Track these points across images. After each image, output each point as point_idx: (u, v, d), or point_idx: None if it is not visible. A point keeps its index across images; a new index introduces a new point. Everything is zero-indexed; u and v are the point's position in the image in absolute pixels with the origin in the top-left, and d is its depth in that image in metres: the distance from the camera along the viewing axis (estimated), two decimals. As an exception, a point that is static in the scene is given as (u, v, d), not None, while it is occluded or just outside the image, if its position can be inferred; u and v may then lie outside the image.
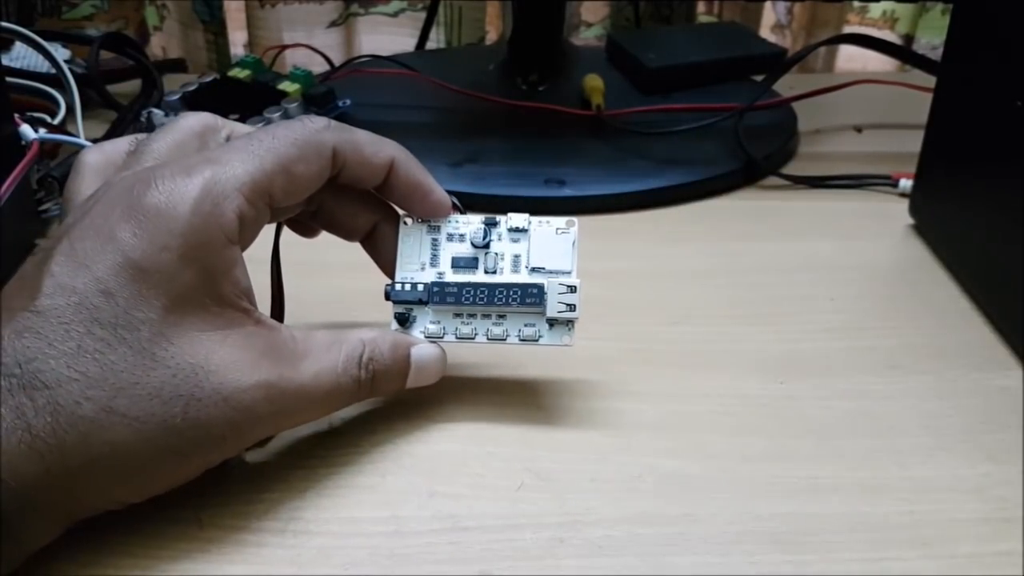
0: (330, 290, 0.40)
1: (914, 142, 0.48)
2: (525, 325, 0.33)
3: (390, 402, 0.35)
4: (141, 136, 0.32)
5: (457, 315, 0.33)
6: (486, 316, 0.33)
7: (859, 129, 0.62)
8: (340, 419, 0.34)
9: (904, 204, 0.49)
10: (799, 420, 0.35)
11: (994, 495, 0.31)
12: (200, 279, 0.28)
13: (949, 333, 0.40)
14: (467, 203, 0.35)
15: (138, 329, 0.27)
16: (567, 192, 0.50)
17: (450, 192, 0.34)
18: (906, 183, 0.51)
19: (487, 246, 0.33)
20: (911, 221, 0.49)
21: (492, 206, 0.34)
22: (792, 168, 0.56)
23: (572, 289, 0.32)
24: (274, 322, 0.30)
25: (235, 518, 0.30)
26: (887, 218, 0.50)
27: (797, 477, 0.32)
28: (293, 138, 0.30)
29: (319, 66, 0.67)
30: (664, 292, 0.43)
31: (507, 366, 0.37)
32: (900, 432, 0.34)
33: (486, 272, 0.33)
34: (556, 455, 0.33)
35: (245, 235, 0.30)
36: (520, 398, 0.36)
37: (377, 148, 0.32)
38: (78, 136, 0.50)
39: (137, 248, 0.27)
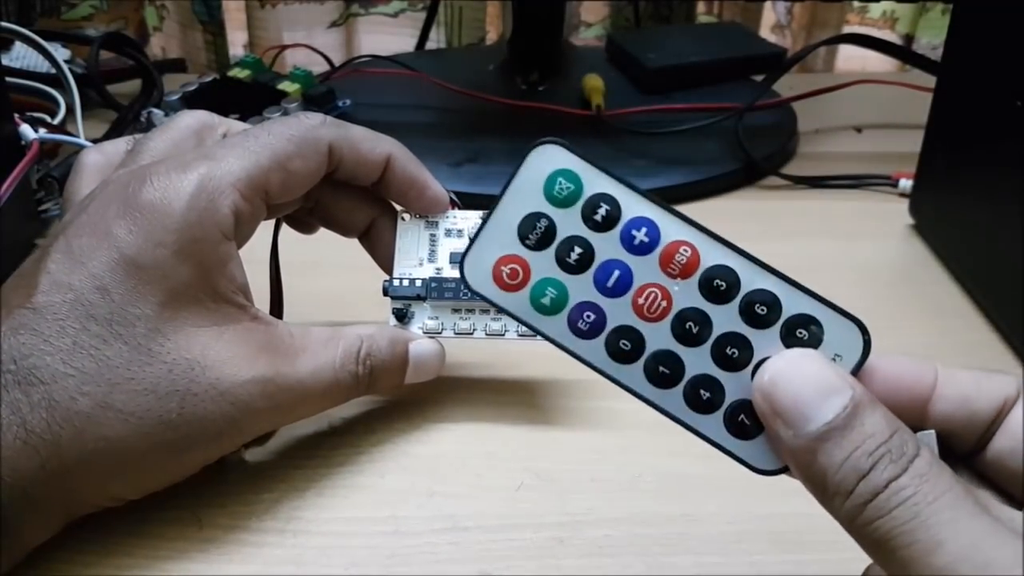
0: (329, 288, 0.40)
1: (914, 142, 0.47)
2: None
3: (390, 402, 0.35)
4: (140, 136, 0.32)
5: (455, 310, 0.33)
6: (484, 311, 0.33)
7: (859, 129, 0.62)
8: (340, 419, 0.34)
9: (904, 204, 0.49)
10: (799, 420, 0.35)
11: (994, 495, 0.31)
12: (196, 275, 0.28)
13: (949, 333, 0.40)
14: (467, 203, 0.35)
15: (134, 325, 0.27)
16: (567, 192, 0.50)
17: (449, 191, 0.34)
18: (906, 183, 0.51)
19: None
20: (911, 221, 0.49)
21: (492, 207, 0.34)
22: (792, 168, 0.56)
23: None
24: (271, 318, 0.30)
25: (235, 518, 0.30)
26: (887, 218, 0.50)
27: (797, 477, 0.32)
28: (289, 134, 0.30)
29: (319, 66, 0.67)
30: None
31: (506, 366, 0.37)
32: (900, 432, 0.34)
33: None
34: (556, 455, 0.33)
35: (241, 231, 0.30)
36: (520, 398, 0.36)
37: (373, 144, 0.32)
38: (78, 136, 0.50)
39: (132, 244, 0.27)
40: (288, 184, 0.30)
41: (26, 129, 0.45)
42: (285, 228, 0.35)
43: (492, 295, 0.23)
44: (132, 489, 0.28)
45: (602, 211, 0.22)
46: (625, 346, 0.22)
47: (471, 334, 0.33)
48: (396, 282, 0.33)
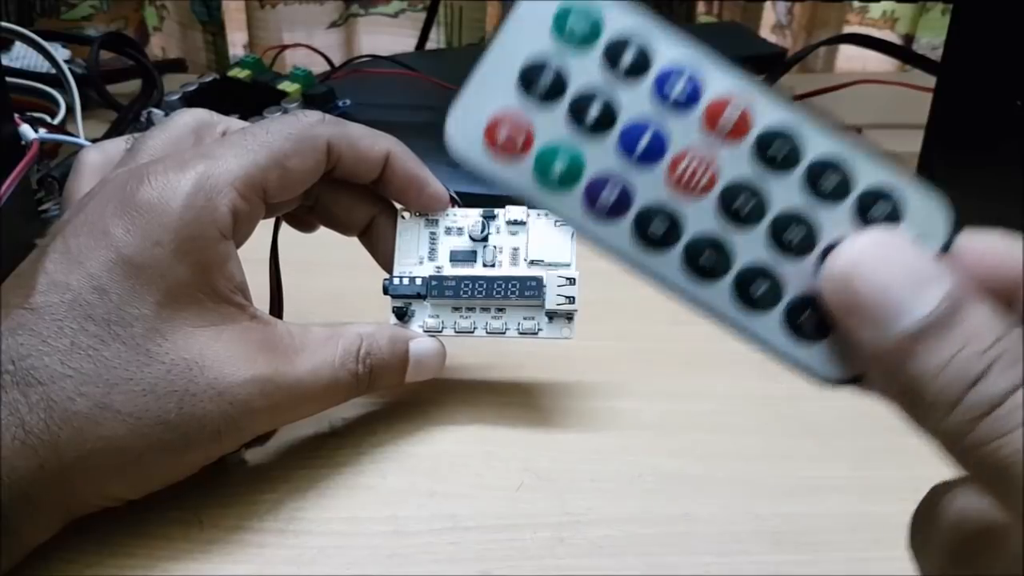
0: (329, 288, 0.40)
1: (914, 142, 0.47)
2: (524, 318, 0.33)
3: (390, 402, 0.35)
4: (139, 135, 0.32)
5: (456, 309, 0.33)
6: (485, 310, 0.33)
7: (859, 129, 0.62)
8: (341, 419, 0.34)
9: (904, 204, 0.49)
10: (799, 420, 0.35)
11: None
12: (193, 274, 0.28)
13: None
14: (467, 204, 0.35)
15: (132, 325, 0.27)
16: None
17: (449, 189, 0.34)
18: (906, 183, 0.51)
19: (485, 239, 0.33)
20: (911, 221, 0.49)
21: (492, 206, 0.34)
22: (792, 168, 0.56)
23: (571, 281, 0.32)
24: (270, 317, 0.30)
25: (236, 518, 0.30)
26: (887, 218, 0.50)
27: (797, 477, 0.32)
28: (287, 132, 0.30)
29: (319, 66, 0.67)
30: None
31: (507, 366, 0.37)
32: (900, 432, 0.34)
33: (484, 265, 0.33)
34: (556, 455, 0.33)
35: (239, 229, 0.29)
36: (520, 398, 0.36)
37: (372, 142, 0.32)
38: (78, 136, 0.50)
39: (130, 244, 0.27)
40: (287, 182, 0.30)
41: (26, 129, 0.45)
42: (285, 227, 0.35)
43: (483, 164, 0.18)
44: (131, 489, 0.28)
45: (630, 54, 0.18)
46: (658, 229, 0.18)
47: (472, 332, 0.33)
48: (396, 280, 0.33)
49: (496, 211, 0.34)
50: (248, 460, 0.32)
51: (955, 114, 0.44)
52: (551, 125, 0.18)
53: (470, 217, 0.34)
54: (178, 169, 0.28)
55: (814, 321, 0.18)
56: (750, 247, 0.18)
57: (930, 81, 0.47)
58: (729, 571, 0.28)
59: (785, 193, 0.18)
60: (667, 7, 0.79)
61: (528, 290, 0.32)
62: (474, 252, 0.33)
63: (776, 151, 0.18)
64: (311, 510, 0.30)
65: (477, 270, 0.33)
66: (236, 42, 0.78)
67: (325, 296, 0.39)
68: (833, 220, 0.18)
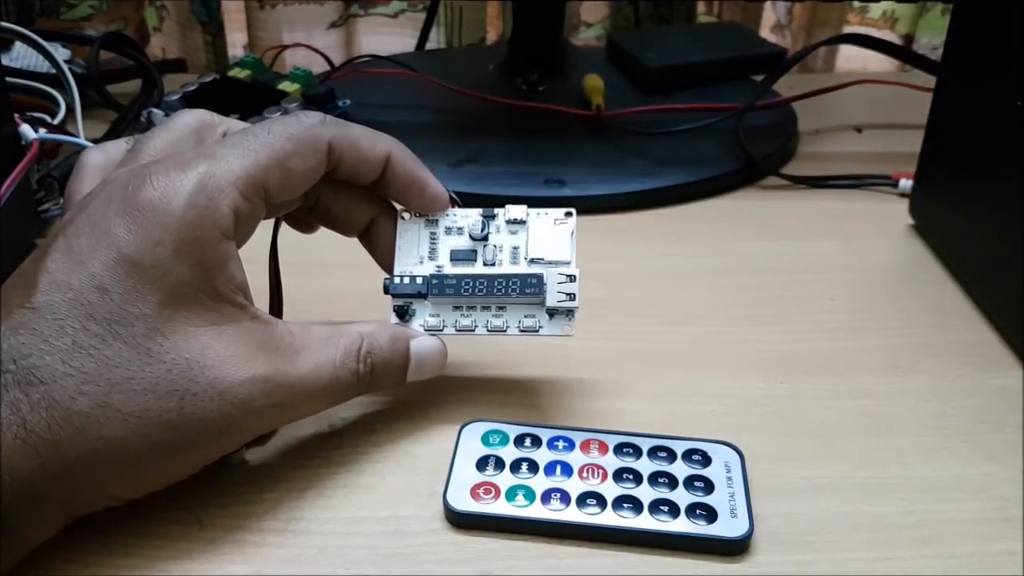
0: (329, 288, 0.40)
1: (914, 142, 0.47)
2: (525, 316, 0.33)
3: (390, 402, 0.35)
4: (141, 135, 0.32)
5: (456, 307, 0.33)
6: (486, 308, 0.33)
7: (859, 129, 0.62)
8: (340, 419, 0.34)
9: (904, 204, 0.49)
10: (799, 420, 0.35)
11: (994, 495, 0.31)
12: (195, 274, 0.28)
13: (949, 333, 0.40)
14: (467, 203, 0.35)
15: (133, 324, 0.27)
16: (567, 192, 0.50)
17: (449, 189, 0.34)
18: (906, 183, 0.51)
19: (485, 238, 0.33)
20: (911, 221, 0.49)
21: (492, 206, 0.34)
22: (792, 168, 0.56)
23: (571, 278, 0.32)
24: (271, 317, 0.30)
25: (235, 518, 0.30)
26: (887, 218, 0.50)
27: (797, 477, 0.32)
28: (288, 133, 0.30)
29: (319, 66, 0.67)
30: (664, 292, 0.43)
31: (507, 366, 0.37)
32: (900, 432, 0.34)
33: (485, 264, 0.33)
34: (556, 455, 0.33)
35: (240, 230, 0.30)
36: (520, 398, 0.36)
37: (373, 142, 0.32)
38: (78, 136, 0.50)
39: (132, 244, 0.27)
40: (288, 183, 0.30)
41: (26, 129, 0.45)
42: (285, 228, 0.35)
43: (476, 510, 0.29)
44: (132, 489, 0.28)
45: (528, 440, 0.32)
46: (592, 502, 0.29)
47: (472, 331, 0.33)
48: (397, 279, 0.33)
49: (496, 210, 0.34)
50: (248, 460, 0.32)
51: (955, 114, 0.44)
52: (506, 479, 0.31)
53: (470, 217, 0.34)
54: (180, 169, 0.28)
55: (706, 512, 0.29)
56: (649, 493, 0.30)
57: (930, 81, 0.47)
58: (730, 571, 0.28)
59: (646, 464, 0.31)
60: (667, 7, 0.79)
61: (529, 287, 0.32)
62: (474, 251, 0.33)
63: (627, 450, 0.31)
64: (311, 510, 0.30)
65: (478, 269, 0.33)
66: (236, 42, 0.78)
67: (325, 296, 0.39)
68: (678, 470, 0.31)
